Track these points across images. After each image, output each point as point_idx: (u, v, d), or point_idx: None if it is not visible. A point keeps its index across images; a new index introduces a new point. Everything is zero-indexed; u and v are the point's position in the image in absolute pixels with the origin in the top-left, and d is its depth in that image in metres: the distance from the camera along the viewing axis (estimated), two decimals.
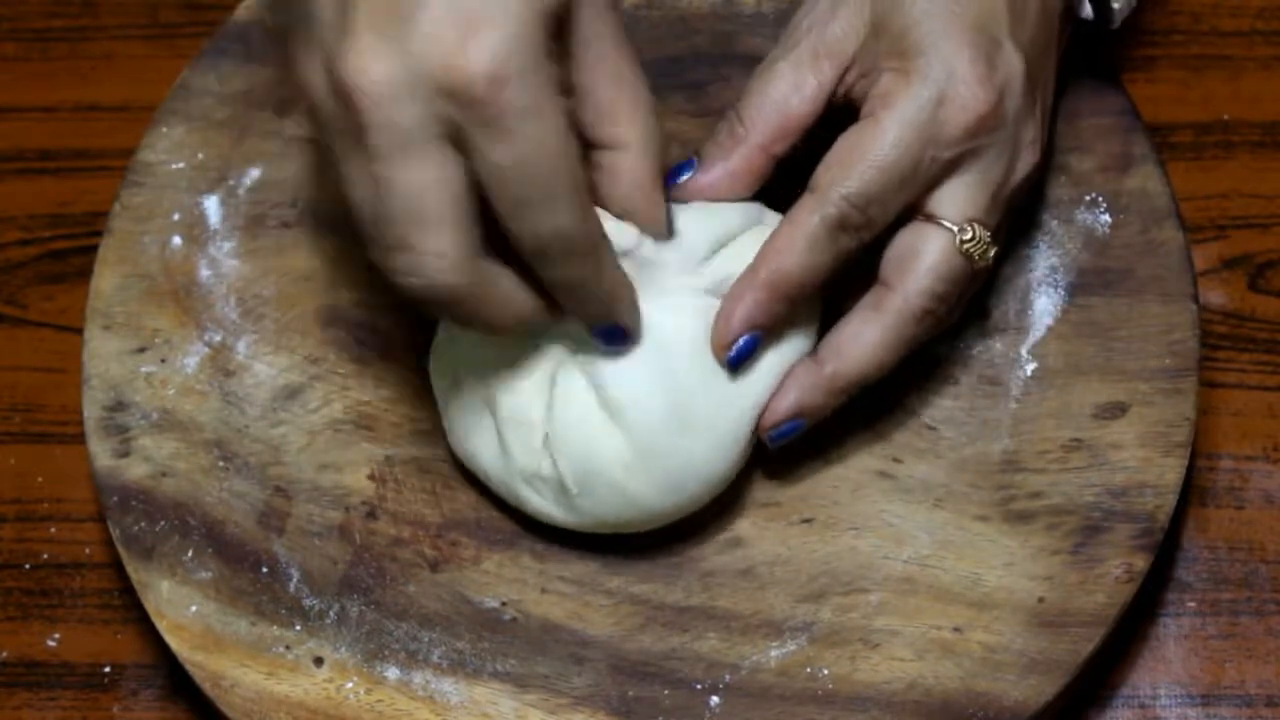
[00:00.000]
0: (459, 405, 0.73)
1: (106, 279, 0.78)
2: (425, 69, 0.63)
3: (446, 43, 0.63)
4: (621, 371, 0.70)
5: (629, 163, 0.69)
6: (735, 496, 0.73)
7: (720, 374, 0.70)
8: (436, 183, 0.64)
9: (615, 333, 0.69)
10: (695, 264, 0.71)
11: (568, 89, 0.67)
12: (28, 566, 0.79)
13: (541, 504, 0.72)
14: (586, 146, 0.68)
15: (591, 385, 0.70)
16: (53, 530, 0.80)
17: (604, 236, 0.68)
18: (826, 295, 0.72)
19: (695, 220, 0.71)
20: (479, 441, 0.72)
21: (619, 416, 0.70)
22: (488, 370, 0.71)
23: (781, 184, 0.72)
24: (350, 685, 0.71)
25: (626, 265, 0.69)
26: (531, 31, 0.64)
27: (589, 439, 0.70)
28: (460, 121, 0.63)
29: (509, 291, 0.67)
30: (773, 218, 0.72)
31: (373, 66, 0.63)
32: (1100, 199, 0.76)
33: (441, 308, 0.67)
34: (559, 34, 0.65)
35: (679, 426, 0.70)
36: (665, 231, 0.70)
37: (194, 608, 0.73)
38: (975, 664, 0.70)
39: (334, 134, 0.65)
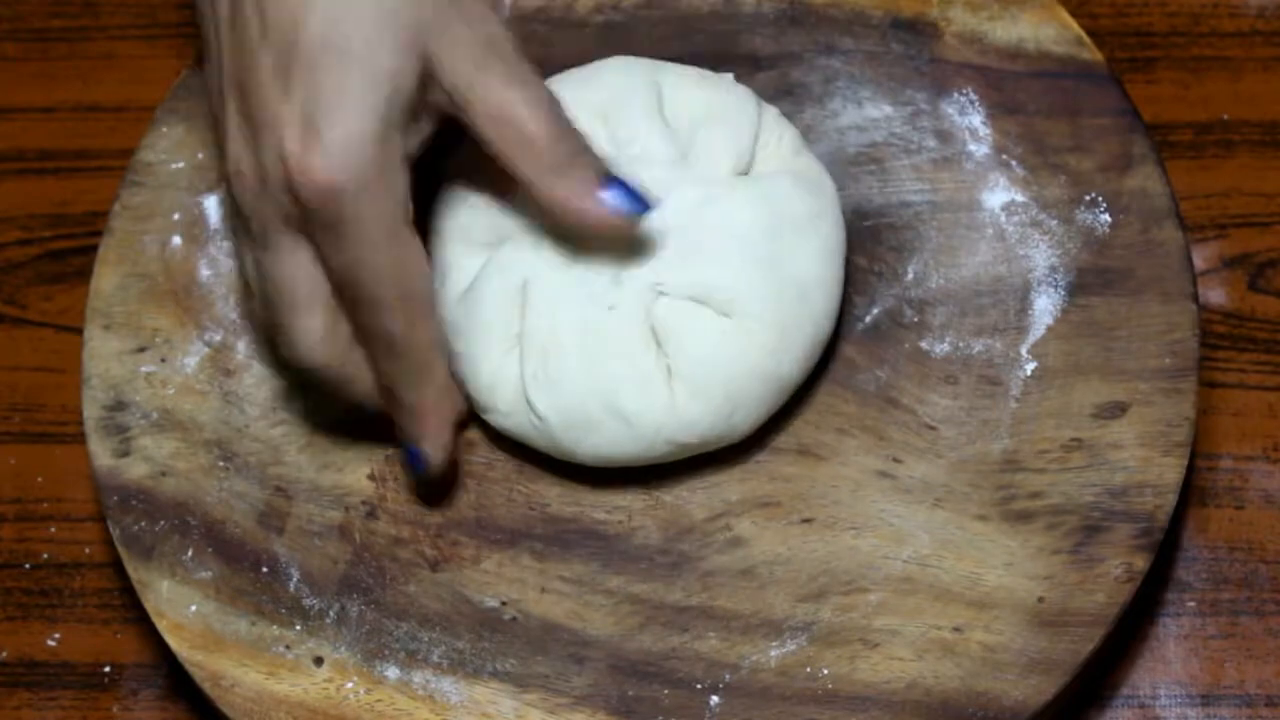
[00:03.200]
0: None
1: (106, 279, 0.78)
2: (273, 173, 0.68)
3: (288, 148, 0.67)
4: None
5: (533, 195, 0.71)
6: (735, 496, 0.73)
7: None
8: (300, 270, 0.69)
9: (414, 454, 0.73)
10: (682, 148, 0.73)
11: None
12: (28, 566, 0.79)
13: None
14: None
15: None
16: (53, 530, 0.80)
17: (433, 352, 0.72)
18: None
19: (675, 100, 0.74)
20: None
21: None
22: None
23: None
24: (350, 685, 0.71)
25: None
26: (373, 125, 0.68)
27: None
28: (305, 221, 0.68)
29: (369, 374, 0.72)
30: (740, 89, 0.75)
31: (240, 160, 0.70)
32: (1100, 199, 0.76)
33: (315, 382, 0.72)
34: (422, 91, 0.69)
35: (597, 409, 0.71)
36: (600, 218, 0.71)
37: (194, 607, 0.73)
38: (975, 664, 0.70)
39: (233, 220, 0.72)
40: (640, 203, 0.70)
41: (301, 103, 0.67)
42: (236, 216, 0.71)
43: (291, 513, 0.74)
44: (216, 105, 0.71)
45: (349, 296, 0.69)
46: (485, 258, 0.73)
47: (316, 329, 0.70)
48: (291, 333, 0.70)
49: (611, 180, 0.70)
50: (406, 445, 0.72)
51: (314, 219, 0.68)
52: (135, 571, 0.73)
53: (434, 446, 0.72)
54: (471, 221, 0.74)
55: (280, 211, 0.68)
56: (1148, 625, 0.75)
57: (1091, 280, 0.75)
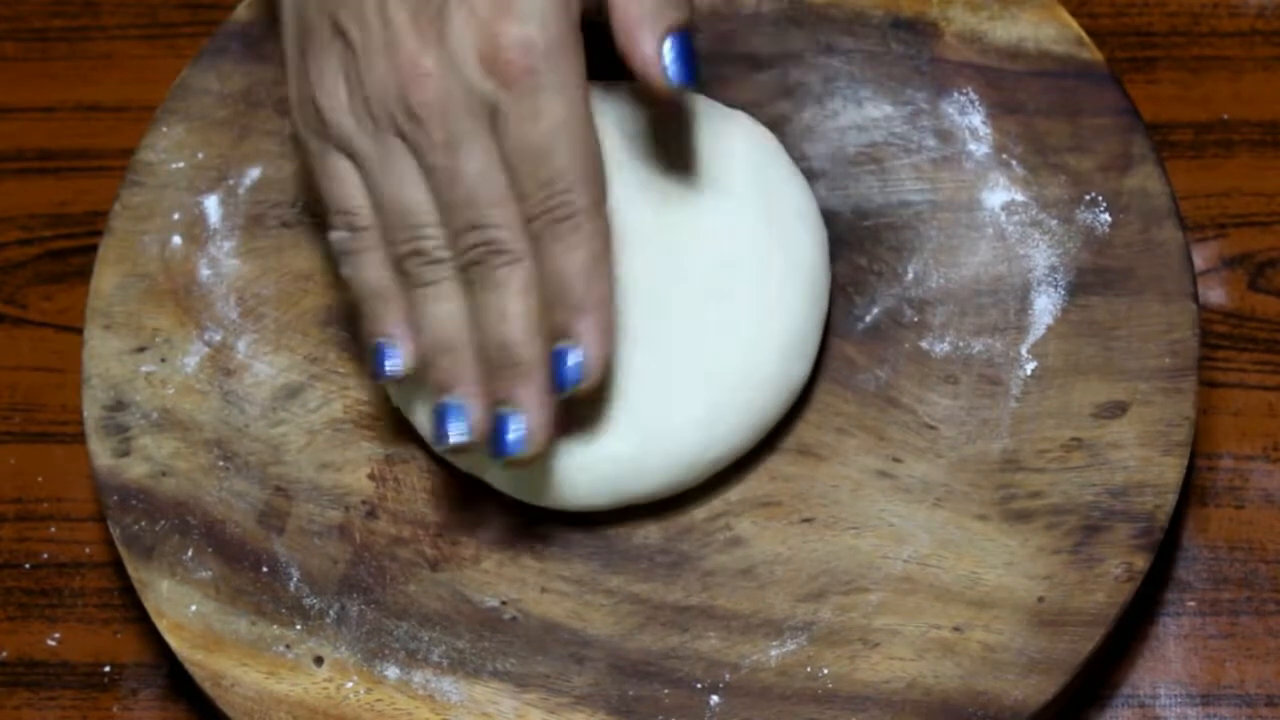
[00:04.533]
0: None
1: (106, 279, 0.78)
2: (465, 48, 0.68)
3: (483, 20, 0.67)
4: None
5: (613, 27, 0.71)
6: (735, 496, 0.73)
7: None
8: (494, 163, 0.68)
9: (564, 362, 0.69)
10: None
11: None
12: (28, 566, 0.79)
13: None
14: None
15: None
16: (53, 530, 0.80)
17: (608, 243, 0.69)
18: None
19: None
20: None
21: None
22: None
23: None
24: (350, 684, 0.71)
25: None
26: (561, 8, 0.67)
27: None
28: (497, 99, 0.68)
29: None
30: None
31: (422, 63, 0.68)
32: (1100, 199, 0.76)
33: (507, 281, 0.69)
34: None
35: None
36: None
37: (194, 607, 0.73)
38: (975, 663, 0.70)
39: (382, 143, 0.70)
40: (687, 72, 0.70)
41: None
42: (398, 139, 0.69)
43: (291, 513, 0.74)
44: (355, 21, 0.69)
45: (539, 176, 0.68)
46: None
47: (514, 217, 0.69)
48: (493, 228, 0.68)
49: (677, 38, 0.70)
50: (561, 351, 0.69)
51: (511, 88, 0.68)
52: (135, 571, 0.73)
53: (599, 350, 0.69)
54: None
55: (469, 100, 0.68)
56: (1148, 625, 0.75)
57: (1091, 280, 0.75)
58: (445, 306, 0.70)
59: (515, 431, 0.69)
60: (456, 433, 0.70)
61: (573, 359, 0.69)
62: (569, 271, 0.68)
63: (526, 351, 0.69)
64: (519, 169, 0.68)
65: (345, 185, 0.71)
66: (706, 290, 0.72)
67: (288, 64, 0.73)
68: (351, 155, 0.70)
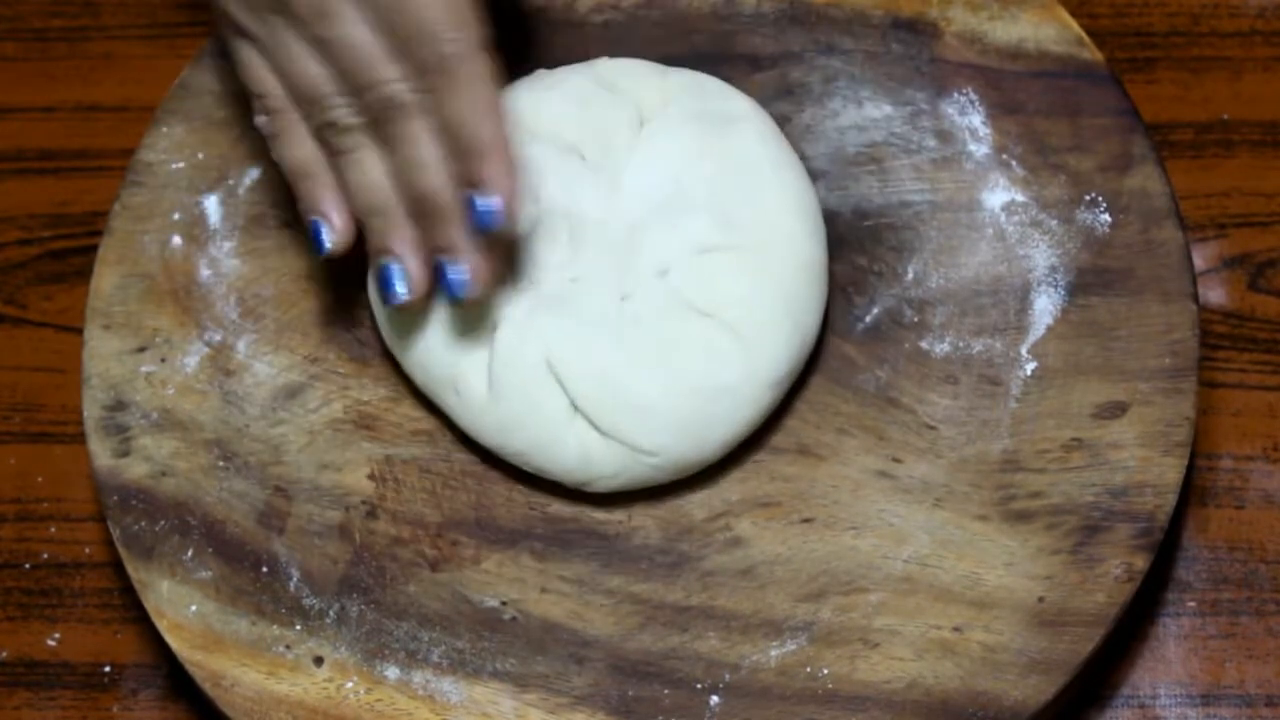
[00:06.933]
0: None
1: (106, 279, 0.78)
2: None
3: None
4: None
5: None
6: (735, 496, 0.73)
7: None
8: (365, 24, 0.70)
9: (481, 211, 0.70)
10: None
11: None
12: (28, 566, 0.79)
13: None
14: None
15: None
16: (53, 530, 0.80)
17: (494, 87, 0.70)
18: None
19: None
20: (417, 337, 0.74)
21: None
22: None
23: None
24: (350, 685, 0.72)
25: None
26: None
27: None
28: None
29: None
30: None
31: None
32: (1100, 199, 0.76)
33: (414, 133, 0.70)
34: None
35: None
36: None
37: (194, 607, 0.73)
38: (975, 664, 0.70)
39: (265, 22, 0.72)
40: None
41: None
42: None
43: (291, 513, 0.74)
44: None
45: (409, 30, 0.69)
46: (486, 352, 0.73)
47: (407, 72, 0.70)
48: (381, 83, 0.70)
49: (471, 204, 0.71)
50: (473, 201, 0.70)
51: None
52: (135, 571, 0.73)
53: (507, 190, 0.70)
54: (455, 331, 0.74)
55: None
56: (1148, 625, 0.75)
57: (1091, 280, 0.75)
58: (368, 171, 0.71)
59: (455, 273, 0.71)
60: (400, 289, 0.72)
61: (482, 204, 0.70)
62: (459, 118, 0.70)
63: (446, 195, 0.71)
64: (390, 29, 0.70)
65: (253, 69, 0.73)
66: (699, 282, 0.72)
67: None
68: (251, 40, 0.72)
